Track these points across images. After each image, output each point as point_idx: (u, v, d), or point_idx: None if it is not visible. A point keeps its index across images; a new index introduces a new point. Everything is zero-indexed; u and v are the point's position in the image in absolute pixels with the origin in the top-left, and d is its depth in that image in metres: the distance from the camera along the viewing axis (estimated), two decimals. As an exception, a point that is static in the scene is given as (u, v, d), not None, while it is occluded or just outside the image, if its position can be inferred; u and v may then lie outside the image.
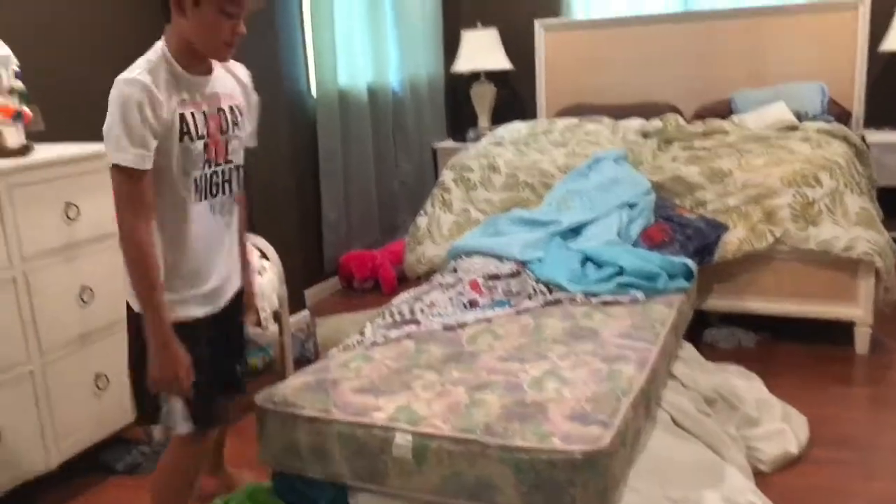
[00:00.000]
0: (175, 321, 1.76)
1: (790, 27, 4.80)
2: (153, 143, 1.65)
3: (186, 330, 1.79)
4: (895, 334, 3.32)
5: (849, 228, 3.09)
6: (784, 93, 4.50)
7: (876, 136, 4.50)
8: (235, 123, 1.84)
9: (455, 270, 2.98)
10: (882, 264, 3.03)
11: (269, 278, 2.98)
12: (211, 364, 1.88)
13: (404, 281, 4.01)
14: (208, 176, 1.79)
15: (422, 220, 3.81)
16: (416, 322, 2.47)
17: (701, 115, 4.61)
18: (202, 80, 1.77)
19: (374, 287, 4.44)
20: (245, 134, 1.91)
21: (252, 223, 3.40)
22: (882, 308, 3.15)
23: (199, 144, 1.74)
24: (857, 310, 3.15)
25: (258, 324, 2.96)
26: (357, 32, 4.53)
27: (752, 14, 4.85)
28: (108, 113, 1.63)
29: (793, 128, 3.91)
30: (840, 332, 3.23)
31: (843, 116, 4.55)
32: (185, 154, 1.73)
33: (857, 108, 4.73)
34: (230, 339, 2.02)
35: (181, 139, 1.71)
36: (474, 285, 2.77)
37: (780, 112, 4.10)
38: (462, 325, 2.45)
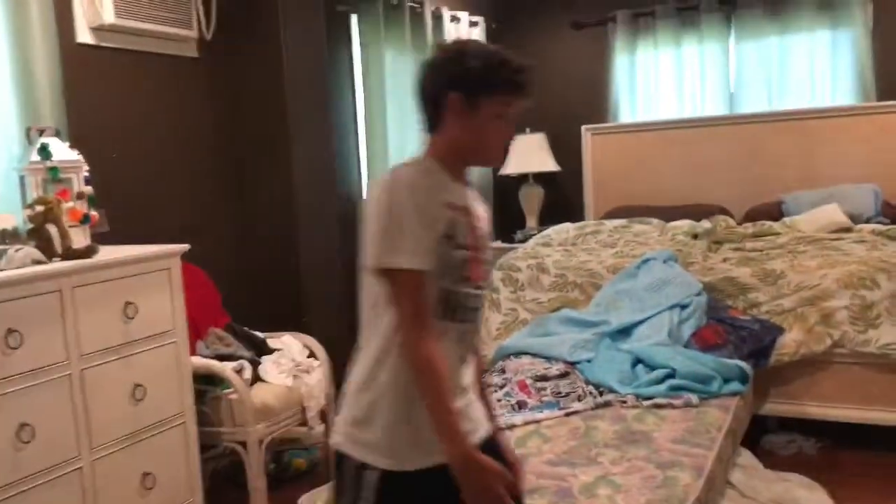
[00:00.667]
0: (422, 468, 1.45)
1: (840, 129, 4.81)
2: (430, 246, 1.45)
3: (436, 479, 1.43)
4: (968, 444, 3.14)
5: (911, 332, 2.99)
6: (837, 195, 4.46)
7: (935, 238, 4.39)
8: (486, 246, 1.59)
9: (503, 371, 2.96)
10: (948, 369, 2.91)
11: (316, 378, 2.99)
12: None
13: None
14: (462, 295, 1.51)
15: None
16: (464, 423, 2.43)
17: (751, 216, 4.58)
18: (465, 190, 1.57)
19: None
20: (489, 264, 1.64)
21: (302, 322, 3.47)
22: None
23: (461, 254, 1.50)
24: (925, 416, 3.01)
25: (304, 423, 2.95)
26: (411, 141, 4.69)
27: (800, 116, 4.88)
28: (375, 216, 1.46)
29: (847, 230, 3.86)
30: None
31: (899, 218, 4.48)
32: (445, 260, 1.47)
33: (915, 209, 4.65)
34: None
35: (446, 243, 1.47)
36: (522, 386, 2.74)
37: (832, 213, 4.06)
38: (510, 427, 2.42)
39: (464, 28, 5.29)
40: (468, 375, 1.57)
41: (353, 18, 4.34)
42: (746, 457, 2.67)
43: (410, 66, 4.69)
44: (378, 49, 4.35)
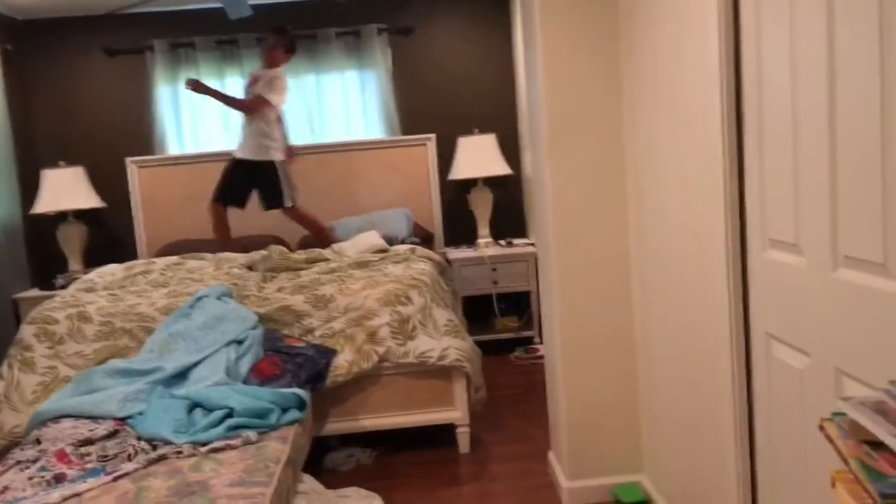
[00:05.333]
0: None
1: (374, 160, 5.31)
2: None
3: None
4: (490, 429, 3.68)
5: (440, 339, 3.39)
6: (376, 220, 4.92)
7: (455, 254, 5.10)
8: None
9: (38, 441, 2.58)
10: (470, 368, 3.37)
11: None
12: None
13: (-21, 462, 3.36)
14: None
15: (-3, 387, 3.26)
16: (-17, 516, 2.05)
17: (304, 244, 4.79)
18: None
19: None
20: None
21: None
22: (475, 408, 3.48)
23: None
24: (456, 412, 3.43)
25: None
26: None
27: (340, 148, 5.27)
28: None
29: (384, 251, 4.24)
30: (446, 434, 3.48)
31: (427, 238, 5.11)
32: None
33: (438, 229, 5.35)
34: None
35: None
36: (62, 456, 2.42)
37: (372, 238, 4.44)
38: (45, 509, 2.10)
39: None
40: None
41: None
42: (308, 482, 2.72)
43: None
44: None
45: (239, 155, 4.55)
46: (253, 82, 4.58)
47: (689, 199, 2.18)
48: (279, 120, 4.63)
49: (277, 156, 4.54)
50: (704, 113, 1.99)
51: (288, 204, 4.56)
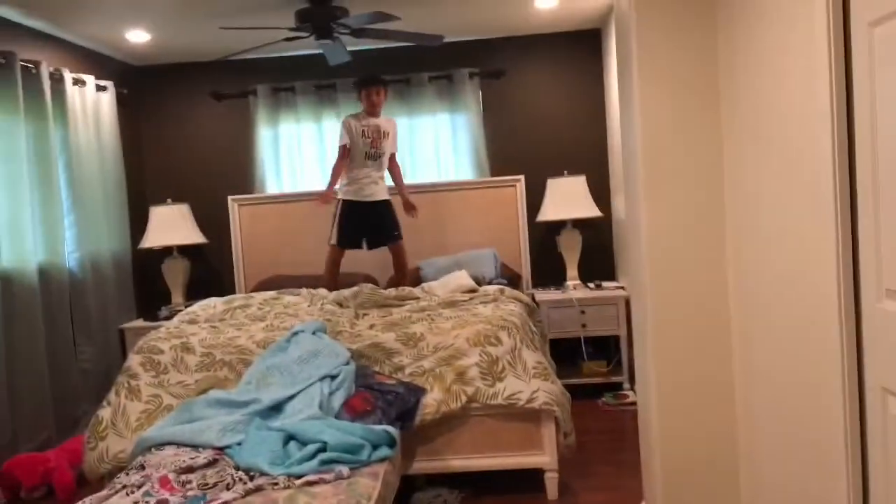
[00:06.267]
0: None
1: (465, 200, 5.38)
2: None
3: None
4: (579, 475, 3.61)
5: (529, 381, 3.36)
6: (463, 260, 4.96)
7: (542, 295, 5.08)
8: None
9: (143, 467, 2.69)
10: (559, 412, 3.32)
11: None
12: None
13: (85, 484, 3.52)
14: None
15: (104, 412, 3.42)
16: (93, 537, 2.14)
17: (393, 283, 4.86)
18: None
19: (47, 494, 3.82)
20: None
21: None
22: (564, 453, 3.42)
23: None
24: (545, 457, 3.38)
25: None
26: (27, 211, 4.15)
27: (432, 189, 5.36)
28: None
29: (472, 290, 4.27)
30: (534, 479, 3.43)
31: (514, 279, 5.11)
32: None
33: (525, 270, 5.35)
34: None
35: None
36: (164, 482, 2.51)
37: (461, 278, 4.48)
38: (149, 533, 2.18)
39: (90, 92, 4.90)
40: None
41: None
42: (397, 520, 2.74)
43: (25, 131, 4.19)
44: (-18, 111, 3.81)
45: (381, 197, 4.77)
46: (377, 136, 4.74)
47: (796, 245, 2.11)
48: None
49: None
50: (814, 156, 1.94)
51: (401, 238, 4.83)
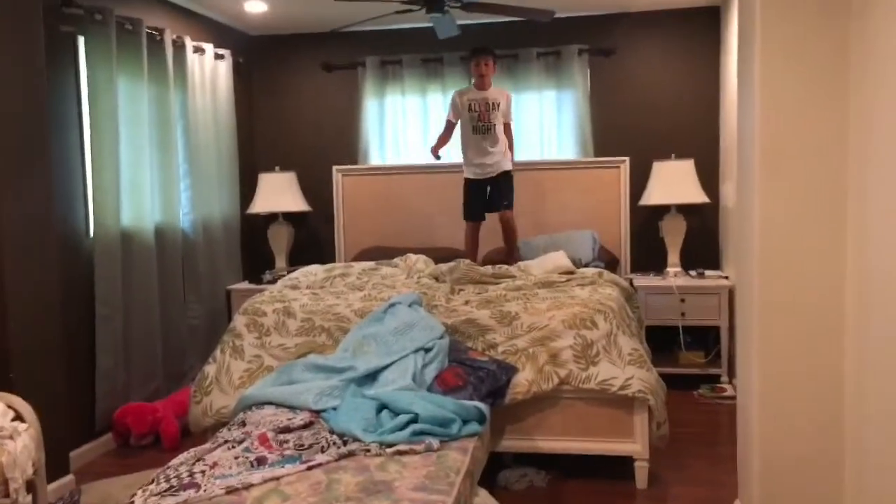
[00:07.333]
0: None
1: (567, 180, 5.30)
2: None
3: None
4: (670, 467, 3.53)
5: (624, 368, 3.31)
6: (562, 240, 4.89)
7: (641, 281, 4.96)
8: None
9: (244, 424, 2.81)
10: (654, 401, 3.25)
11: (23, 443, 2.62)
12: None
13: (189, 435, 3.71)
14: None
15: (210, 369, 3.59)
16: (196, 486, 2.26)
17: (490, 260, 4.86)
18: None
19: (154, 443, 4.06)
20: None
21: (8, 378, 3.04)
22: (655, 443, 3.35)
23: None
24: (636, 445, 3.33)
25: (6, 495, 2.56)
26: (146, 173, 4.37)
27: (533, 167, 5.30)
28: None
29: (570, 272, 4.21)
30: (623, 467, 3.38)
31: (612, 262, 5.01)
32: None
33: (624, 254, 5.23)
34: None
35: None
36: (263, 440, 2.61)
37: (559, 259, 4.42)
38: (247, 487, 2.28)
39: (208, 60, 5.08)
40: None
41: (81, 41, 3.97)
42: (483, 496, 2.74)
43: (147, 95, 4.39)
44: (110, 76, 4.01)
45: (497, 171, 4.80)
46: (484, 108, 4.75)
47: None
48: None
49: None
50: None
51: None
